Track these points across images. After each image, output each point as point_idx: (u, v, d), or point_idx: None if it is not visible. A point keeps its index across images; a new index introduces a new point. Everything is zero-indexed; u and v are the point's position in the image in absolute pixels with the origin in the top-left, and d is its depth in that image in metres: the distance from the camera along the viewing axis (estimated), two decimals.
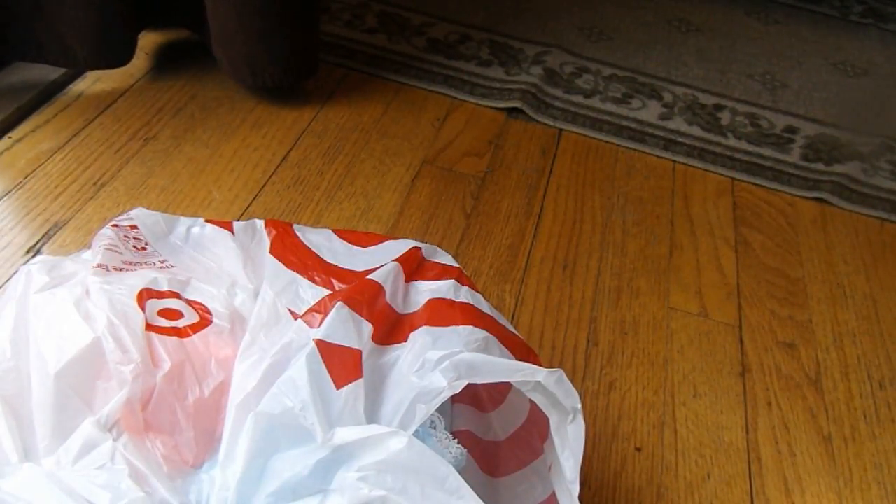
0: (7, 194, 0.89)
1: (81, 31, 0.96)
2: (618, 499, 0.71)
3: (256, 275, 0.51)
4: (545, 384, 0.45)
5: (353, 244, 0.56)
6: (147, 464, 0.39)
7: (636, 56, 1.35)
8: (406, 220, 0.94)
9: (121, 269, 0.48)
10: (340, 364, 0.43)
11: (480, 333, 0.47)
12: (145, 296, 0.46)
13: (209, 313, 0.47)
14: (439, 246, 0.92)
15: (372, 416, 0.43)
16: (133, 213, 0.56)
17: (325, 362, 0.42)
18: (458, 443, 0.48)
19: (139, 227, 0.55)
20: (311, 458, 0.39)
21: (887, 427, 0.81)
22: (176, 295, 0.47)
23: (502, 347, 0.49)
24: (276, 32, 0.98)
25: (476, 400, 0.58)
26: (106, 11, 0.96)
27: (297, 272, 0.51)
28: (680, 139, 1.16)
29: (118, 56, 1.01)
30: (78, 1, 0.94)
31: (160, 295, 0.47)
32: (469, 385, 0.43)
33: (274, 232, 0.55)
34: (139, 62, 1.12)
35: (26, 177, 0.92)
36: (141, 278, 0.47)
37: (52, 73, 1.05)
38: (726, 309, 0.91)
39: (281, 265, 0.51)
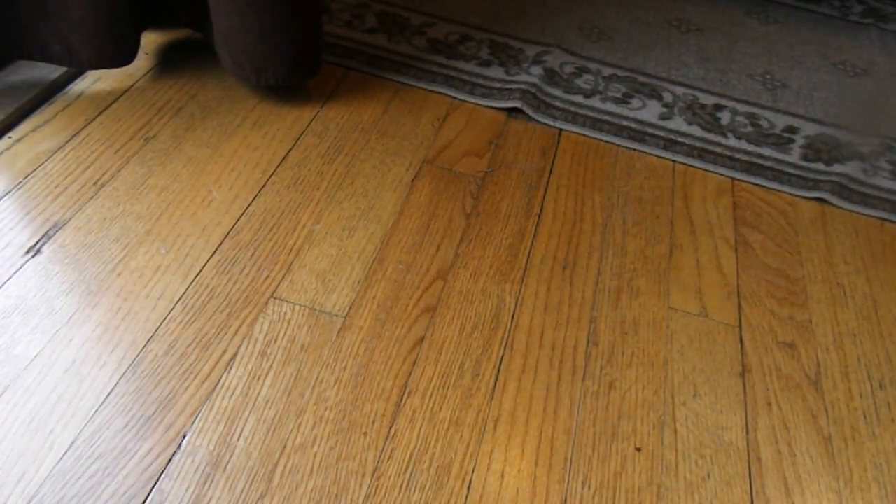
0: (7, 194, 0.89)
1: (84, 30, 0.96)
2: (618, 499, 0.71)
3: None
4: None
5: None
6: None
7: (636, 56, 1.35)
8: (406, 220, 0.94)
9: None
10: None
11: None
12: None
13: None
14: (439, 246, 0.92)
15: None
16: None
17: None
18: None
19: None
20: None
21: (887, 427, 0.81)
22: None
23: None
24: (280, 31, 0.98)
25: None
26: (109, 11, 0.96)
27: None
28: (680, 139, 1.16)
29: (122, 55, 1.01)
30: (79, 2, 0.94)
31: None
32: None
33: None
34: (139, 62, 1.12)
35: (26, 177, 0.92)
36: None
37: (53, 72, 1.05)
38: (726, 309, 0.91)
39: None
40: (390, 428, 0.73)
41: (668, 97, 1.25)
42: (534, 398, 0.77)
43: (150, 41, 1.17)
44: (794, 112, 1.27)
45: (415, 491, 0.68)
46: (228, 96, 1.09)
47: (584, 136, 1.15)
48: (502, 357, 0.81)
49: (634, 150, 1.14)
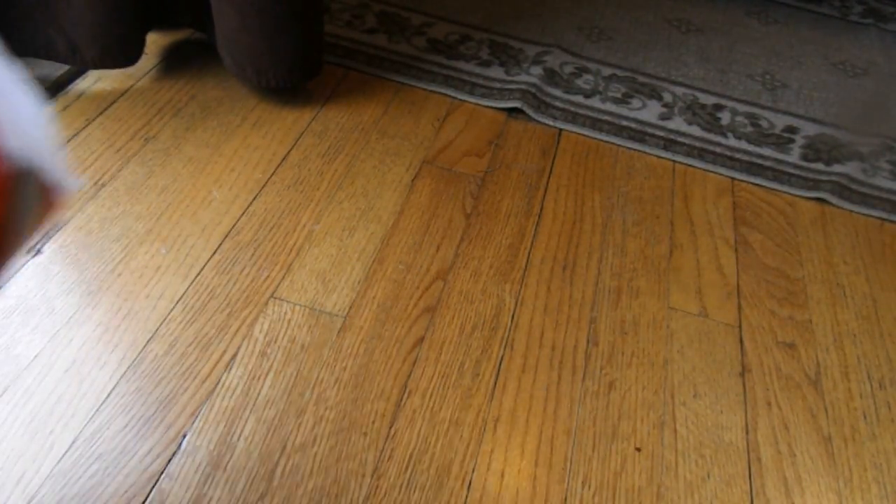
0: None
1: (89, 30, 0.96)
2: (618, 499, 0.71)
3: None
4: None
5: None
6: None
7: (636, 56, 1.35)
8: (406, 220, 0.94)
9: None
10: None
11: None
12: None
13: None
14: (439, 246, 0.92)
15: None
16: None
17: None
18: None
19: None
20: None
21: (887, 427, 0.81)
22: None
23: None
24: (280, 32, 0.98)
25: None
26: (114, 11, 0.96)
27: None
28: (680, 139, 1.16)
29: (126, 56, 1.01)
30: (83, 1, 0.94)
31: None
32: None
33: None
34: (140, 62, 1.12)
35: None
36: None
37: (53, 72, 1.05)
38: (726, 309, 0.91)
39: None
40: (390, 428, 0.73)
41: (668, 97, 1.25)
42: (534, 398, 0.77)
43: (151, 41, 1.17)
44: (794, 112, 1.27)
45: (415, 491, 0.68)
46: (229, 96, 1.09)
47: (584, 136, 1.15)
48: (502, 357, 0.81)
49: (634, 150, 1.14)
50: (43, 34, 0.97)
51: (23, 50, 0.99)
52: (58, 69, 1.05)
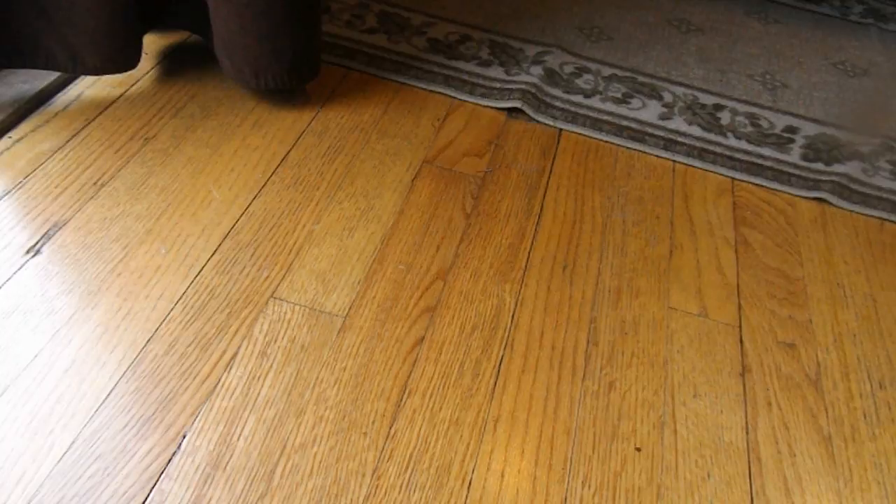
0: (7, 194, 0.89)
1: (90, 37, 0.96)
2: (618, 499, 0.71)
3: None
4: None
5: None
6: None
7: (636, 56, 1.35)
8: (406, 220, 0.94)
9: None
10: None
11: None
12: None
13: None
14: (439, 246, 0.92)
15: None
16: None
17: None
18: None
19: None
20: None
21: (887, 427, 0.81)
22: None
23: None
24: (279, 34, 0.98)
25: None
26: (113, 17, 0.96)
27: None
28: (680, 139, 1.16)
29: (128, 60, 1.01)
30: (84, 7, 0.94)
31: None
32: None
33: None
34: (139, 63, 1.12)
35: (26, 177, 0.92)
36: None
37: (53, 72, 1.05)
38: (726, 309, 0.91)
39: None
40: (390, 428, 0.73)
41: (668, 97, 1.25)
42: (534, 398, 0.77)
43: (150, 42, 1.17)
44: (794, 112, 1.27)
45: (415, 491, 0.68)
46: (228, 97, 1.09)
47: (585, 136, 1.15)
48: (502, 357, 0.81)
49: (634, 150, 1.14)
50: (42, 44, 0.97)
51: (22, 62, 0.99)
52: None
